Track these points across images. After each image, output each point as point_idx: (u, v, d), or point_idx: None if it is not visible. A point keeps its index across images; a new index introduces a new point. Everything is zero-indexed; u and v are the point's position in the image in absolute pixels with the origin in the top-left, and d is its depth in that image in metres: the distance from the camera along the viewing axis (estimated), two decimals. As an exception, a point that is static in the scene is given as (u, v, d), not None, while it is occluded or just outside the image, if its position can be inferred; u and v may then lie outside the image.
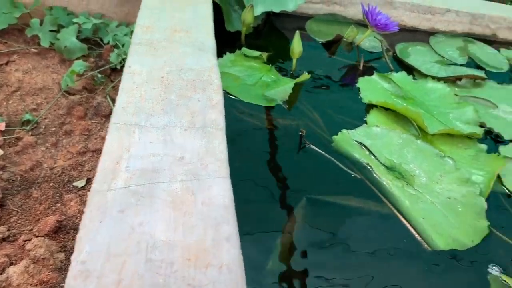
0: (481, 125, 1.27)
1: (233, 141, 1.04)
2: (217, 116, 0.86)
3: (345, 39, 1.58)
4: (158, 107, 0.85)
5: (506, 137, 1.25)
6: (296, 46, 1.29)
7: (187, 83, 0.93)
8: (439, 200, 0.98)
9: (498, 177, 1.10)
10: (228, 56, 1.32)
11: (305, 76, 1.27)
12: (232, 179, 0.93)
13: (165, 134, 0.79)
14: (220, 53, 1.31)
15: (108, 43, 1.48)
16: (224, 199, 0.69)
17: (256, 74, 1.28)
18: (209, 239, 0.63)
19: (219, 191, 0.70)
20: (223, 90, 1.17)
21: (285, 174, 1.01)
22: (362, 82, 1.36)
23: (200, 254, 0.61)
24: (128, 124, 0.80)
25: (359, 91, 1.32)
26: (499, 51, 1.74)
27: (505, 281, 0.84)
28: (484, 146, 1.18)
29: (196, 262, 0.60)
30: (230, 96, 1.19)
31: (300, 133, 1.11)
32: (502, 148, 1.19)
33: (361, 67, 1.46)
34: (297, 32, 1.29)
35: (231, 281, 0.58)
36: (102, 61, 1.44)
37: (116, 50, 1.35)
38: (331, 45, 1.58)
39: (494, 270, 0.86)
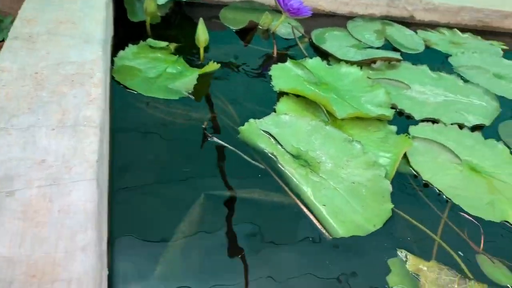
0: (393, 107, 1.27)
1: (128, 137, 0.98)
2: (93, 113, 0.78)
3: (260, 27, 1.54)
4: (24, 106, 0.77)
5: (417, 117, 1.25)
6: (201, 34, 1.23)
7: (64, 78, 0.85)
8: (343, 186, 0.95)
9: (407, 158, 1.09)
10: (131, 48, 1.24)
11: (212, 66, 1.22)
12: (121, 179, 0.87)
13: (28, 135, 0.71)
14: (124, 46, 1.24)
15: (3, 40, 1.36)
16: (86, 204, 0.62)
17: (161, 65, 1.21)
18: (61, 251, 0.56)
19: (81, 196, 0.63)
20: (121, 85, 1.10)
21: (184, 170, 0.95)
22: (275, 70, 1.32)
23: (48, 269, 0.54)
24: (-16, 127, 0.71)
25: (272, 79, 1.28)
26: (416, 32, 1.76)
27: (405, 257, 0.82)
28: (394, 128, 1.17)
29: (42, 279, 0.53)
30: (130, 91, 1.11)
31: (202, 126, 1.05)
32: (412, 128, 1.19)
33: (274, 55, 1.42)
34: (201, 19, 1.23)
35: (80, 297, 0.52)
36: (-5, 60, 1.31)
37: (5, 47, 1.23)
38: (247, 33, 1.53)
39: (394, 253, 0.84)
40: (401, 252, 0.83)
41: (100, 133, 0.75)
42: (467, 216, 0.96)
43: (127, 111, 1.06)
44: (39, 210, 0.60)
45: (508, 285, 0.83)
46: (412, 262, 0.81)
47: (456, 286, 0.76)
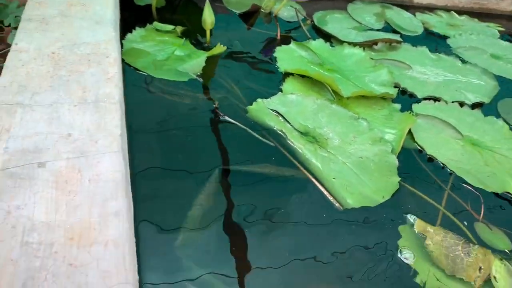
0: (396, 86, 1.30)
1: (144, 116, 1.01)
2: (112, 90, 0.81)
3: (263, 10, 1.56)
4: (45, 84, 0.79)
5: (419, 95, 1.28)
6: (208, 16, 1.25)
7: (80, 57, 0.87)
8: (351, 160, 0.99)
9: (411, 134, 1.12)
10: (138, 31, 1.26)
11: (219, 48, 1.24)
12: (140, 154, 0.90)
13: (52, 111, 0.73)
14: (131, 29, 1.26)
15: (9, 25, 1.37)
16: (114, 174, 0.65)
17: (168, 48, 1.23)
18: (95, 217, 0.59)
19: (109, 167, 0.66)
20: (131, 67, 1.12)
21: (199, 147, 0.98)
22: (279, 52, 1.34)
23: (84, 233, 0.57)
24: (9, 103, 0.73)
25: (277, 60, 1.31)
26: (414, 15, 1.79)
27: (414, 220, 0.86)
28: (398, 106, 1.20)
29: (80, 241, 0.56)
30: (140, 73, 1.13)
31: (214, 106, 1.08)
32: (415, 106, 1.22)
33: (278, 37, 1.45)
34: (207, 2, 1.25)
35: (117, 257, 0.55)
36: (2, 45, 1.33)
37: (13, 31, 1.25)
38: (250, 17, 1.55)
39: (403, 221, 0.88)
40: (410, 216, 0.87)
41: (121, 109, 0.77)
42: (469, 188, 1.00)
43: (140, 92, 1.08)
44: (70, 179, 0.63)
45: (506, 250, 0.87)
46: (420, 224, 0.85)
47: (460, 249, 0.80)
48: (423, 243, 0.83)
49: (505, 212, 0.96)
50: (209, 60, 1.23)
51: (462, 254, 0.80)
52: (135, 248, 0.60)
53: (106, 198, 0.61)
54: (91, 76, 0.83)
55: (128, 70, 1.13)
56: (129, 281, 0.52)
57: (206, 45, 1.32)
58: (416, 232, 0.85)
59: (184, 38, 1.28)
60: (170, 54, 1.21)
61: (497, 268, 0.79)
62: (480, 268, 0.78)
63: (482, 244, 0.88)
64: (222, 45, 1.26)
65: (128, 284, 0.51)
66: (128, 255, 0.55)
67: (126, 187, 0.65)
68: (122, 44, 1.19)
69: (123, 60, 1.15)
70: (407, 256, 0.80)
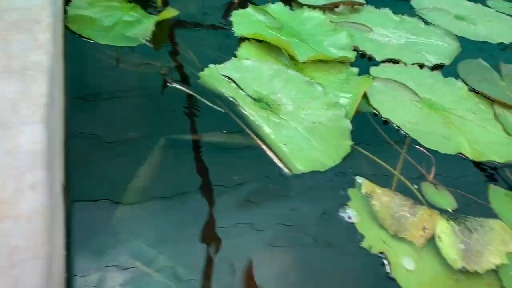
0: (355, 49, 1.27)
1: (86, 85, 0.96)
2: (42, 58, 0.76)
3: (221, -27, 1.49)
4: (-33, 53, 0.74)
5: (378, 58, 1.25)
6: (157, -21, 1.19)
7: (9, 24, 0.82)
8: (303, 126, 0.97)
9: (367, 98, 1.10)
10: (84, -4, 1.19)
11: (170, 12, 1.19)
12: (80, 124, 0.86)
13: (-29, 81, 0.69)
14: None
15: None
16: (34, 145, 0.62)
17: (116, 14, 1.17)
18: (9, 190, 0.56)
19: (30, 138, 0.62)
20: (76, 34, 1.07)
21: (144, 116, 0.95)
22: (236, 16, 1.29)
23: (-4, 207, 0.54)
24: None
25: (233, 25, 1.26)
26: (380, -24, 1.73)
27: (362, 182, 0.85)
28: (356, 70, 1.17)
29: (-9, 216, 0.53)
30: (85, 40, 1.08)
31: (162, 72, 1.04)
32: (373, 69, 1.20)
33: (236, 1, 1.39)
34: (155, -36, 1.19)
35: (29, 231, 0.52)
36: None
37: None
38: (207, -20, 1.48)
39: (353, 185, 0.87)
40: (359, 178, 0.86)
41: (49, 78, 0.73)
42: (422, 149, 0.99)
43: (84, 61, 1.03)
44: (-15, 152, 0.59)
45: (449, 209, 0.87)
46: (367, 185, 0.84)
47: (406, 209, 0.80)
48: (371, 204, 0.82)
49: (455, 173, 0.96)
50: (161, 25, 1.18)
51: (408, 214, 0.79)
52: (50, 222, 0.57)
53: (23, 170, 0.58)
54: (19, 44, 0.78)
55: (73, 38, 1.07)
56: (40, 256, 0.50)
57: (158, 9, 1.26)
58: (364, 193, 0.84)
59: (133, 3, 1.22)
60: (118, 20, 1.16)
61: (443, 228, 0.78)
62: (425, 228, 0.78)
63: (428, 203, 0.87)
64: (173, 9, 1.20)
65: (37, 259, 0.49)
66: (41, 229, 0.53)
67: (47, 159, 0.61)
68: (66, 11, 1.13)
69: (67, 28, 1.09)
70: (350, 215, 0.79)
